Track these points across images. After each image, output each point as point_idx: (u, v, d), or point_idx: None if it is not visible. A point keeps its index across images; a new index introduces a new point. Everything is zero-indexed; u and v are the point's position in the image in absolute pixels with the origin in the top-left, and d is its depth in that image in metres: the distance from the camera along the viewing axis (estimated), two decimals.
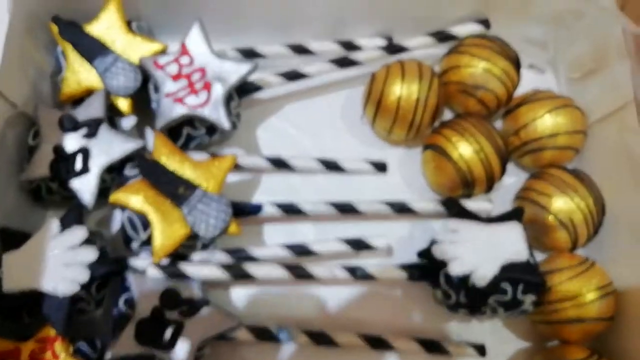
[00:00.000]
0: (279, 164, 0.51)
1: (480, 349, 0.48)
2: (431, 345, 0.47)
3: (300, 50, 0.53)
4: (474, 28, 0.53)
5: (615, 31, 0.47)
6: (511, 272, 0.43)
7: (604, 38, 0.49)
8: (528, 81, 0.53)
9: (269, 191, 0.52)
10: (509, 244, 0.44)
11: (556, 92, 0.52)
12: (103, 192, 0.46)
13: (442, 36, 0.53)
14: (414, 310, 0.50)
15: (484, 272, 0.43)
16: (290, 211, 0.48)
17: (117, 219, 0.48)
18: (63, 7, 0.48)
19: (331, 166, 0.52)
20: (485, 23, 0.53)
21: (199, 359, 0.44)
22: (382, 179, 0.53)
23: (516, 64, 0.51)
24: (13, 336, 0.42)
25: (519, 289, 0.44)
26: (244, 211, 0.48)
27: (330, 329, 0.46)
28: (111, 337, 0.42)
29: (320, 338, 0.46)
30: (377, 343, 0.46)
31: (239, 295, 0.49)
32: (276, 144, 0.54)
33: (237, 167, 0.50)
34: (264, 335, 0.46)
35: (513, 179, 0.53)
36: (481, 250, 0.44)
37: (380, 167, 0.53)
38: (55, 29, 0.48)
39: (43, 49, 0.49)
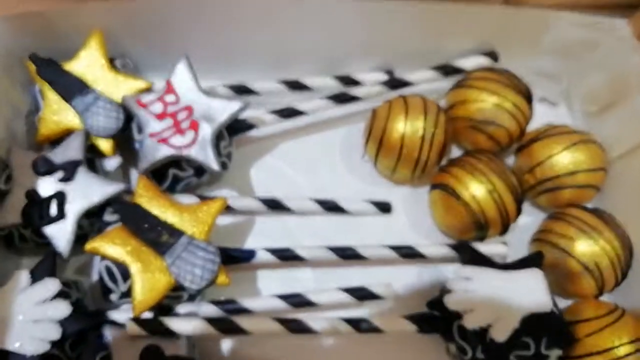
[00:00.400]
0: (274, 206, 0.47)
1: None
2: None
3: (295, 86, 0.50)
4: (481, 61, 0.50)
5: (633, 61, 0.44)
6: (533, 325, 0.39)
7: (622, 69, 0.46)
8: (540, 115, 0.50)
9: (263, 235, 0.48)
10: (529, 294, 0.40)
11: (571, 126, 0.48)
12: (81, 238, 0.42)
13: (447, 70, 0.50)
14: None
15: (503, 325, 0.38)
16: (286, 257, 0.44)
17: (97, 268, 0.45)
18: (41, 45, 0.45)
19: (330, 207, 0.48)
20: (493, 55, 0.50)
21: None
22: (386, 220, 0.49)
23: (527, 97, 0.47)
24: None
25: (543, 342, 0.39)
26: (235, 258, 0.43)
27: None
28: None
29: None
30: None
31: (230, 348, 0.44)
32: (271, 185, 0.50)
33: (228, 209, 0.46)
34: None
35: (529, 219, 0.49)
36: (499, 300, 0.39)
37: (384, 207, 0.49)
38: (32, 67, 0.45)
39: (19, 87, 0.46)
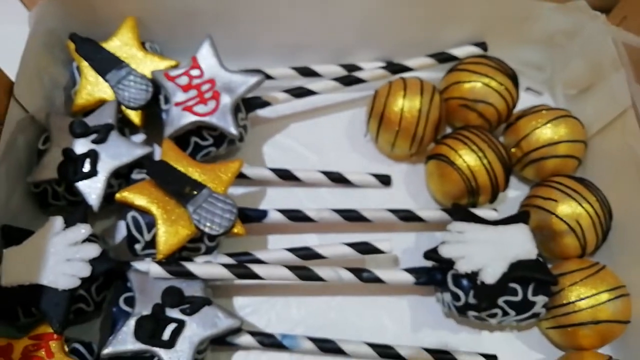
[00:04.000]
0: (285, 176, 0.51)
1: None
2: (442, 355, 0.45)
3: (306, 72, 0.55)
4: (472, 50, 0.56)
5: (608, 44, 0.50)
6: (521, 270, 0.43)
7: (598, 53, 0.51)
8: (526, 104, 0.54)
9: (274, 203, 0.52)
10: (517, 244, 0.44)
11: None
12: (109, 197, 0.47)
13: (442, 57, 0.56)
14: (422, 325, 0.48)
15: (492, 269, 0.42)
16: (295, 218, 0.48)
17: (122, 229, 0.49)
18: (81, 26, 0.51)
19: (336, 178, 0.52)
20: (483, 46, 0.56)
21: None
22: (387, 192, 0.54)
23: (514, 80, 0.53)
24: (6, 334, 0.40)
25: (530, 289, 0.43)
26: (249, 217, 0.48)
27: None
28: (109, 336, 0.41)
29: (326, 345, 0.44)
30: (386, 352, 0.44)
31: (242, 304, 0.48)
32: (282, 160, 0.54)
33: (243, 177, 0.50)
34: (268, 341, 0.44)
35: (517, 193, 0.53)
36: (489, 249, 0.43)
37: (385, 180, 0.53)
38: (72, 46, 0.51)
39: (60, 63, 0.51)
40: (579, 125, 0.51)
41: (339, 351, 0.44)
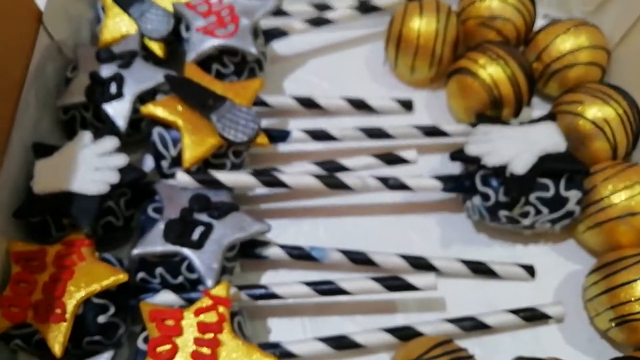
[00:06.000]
0: (307, 104, 0.52)
1: (530, 270, 0.45)
2: (476, 265, 0.44)
3: (322, 7, 0.56)
4: None
5: None
6: (550, 162, 0.42)
7: None
8: None
9: None
10: (544, 138, 0.43)
11: None
12: (136, 124, 0.47)
13: None
14: (452, 241, 0.48)
15: (521, 160, 0.42)
16: (319, 137, 0.48)
17: (148, 161, 0.49)
18: None
19: (358, 105, 0.52)
20: None
21: (228, 270, 0.41)
22: (408, 118, 0.53)
23: None
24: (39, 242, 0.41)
25: (562, 183, 0.42)
26: (272, 137, 0.48)
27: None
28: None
29: (356, 256, 0.44)
30: (418, 262, 0.44)
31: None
32: (302, 93, 0.54)
33: (264, 105, 0.51)
34: (297, 252, 0.44)
35: (542, 113, 0.52)
36: (516, 143, 0.43)
37: (407, 105, 0.53)
38: None
39: (85, 2, 0.53)
40: (600, 32, 0.50)
41: (369, 262, 0.44)
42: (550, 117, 0.46)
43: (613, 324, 0.40)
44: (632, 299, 0.38)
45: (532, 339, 0.42)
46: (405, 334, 0.40)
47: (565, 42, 0.49)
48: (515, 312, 0.41)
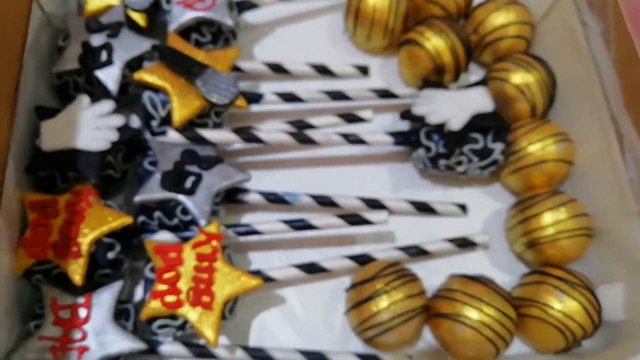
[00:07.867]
0: (277, 69, 0.59)
1: (463, 207, 0.55)
2: (420, 205, 0.54)
3: None
4: None
5: None
6: (480, 120, 0.51)
7: None
8: None
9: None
10: (477, 101, 0.52)
11: None
12: (124, 88, 0.53)
13: None
14: (401, 186, 0.57)
15: (457, 119, 0.51)
16: (289, 99, 0.56)
17: (134, 122, 0.55)
18: None
19: (321, 70, 0.59)
20: None
21: (215, 213, 0.49)
22: (365, 82, 0.61)
23: None
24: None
25: (489, 137, 0.51)
26: (247, 99, 0.55)
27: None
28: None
29: (322, 200, 0.52)
30: (372, 203, 0.53)
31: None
32: (272, 60, 0.61)
33: (239, 70, 0.57)
34: (273, 197, 0.52)
35: (478, 77, 0.61)
36: (454, 105, 0.52)
37: (363, 70, 0.61)
38: None
39: None
40: (526, 10, 0.59)
41: (333, 204, 0.52)
42: (483, 82, 0.55)
43: (525, 247, 0.50)
44: (539, 227, 0.49)
45: (464, 262, 0.53)
46: (363, 259, 0.49)
47: (498, 17, 0.58)
48: (450, 240, 0.52)
